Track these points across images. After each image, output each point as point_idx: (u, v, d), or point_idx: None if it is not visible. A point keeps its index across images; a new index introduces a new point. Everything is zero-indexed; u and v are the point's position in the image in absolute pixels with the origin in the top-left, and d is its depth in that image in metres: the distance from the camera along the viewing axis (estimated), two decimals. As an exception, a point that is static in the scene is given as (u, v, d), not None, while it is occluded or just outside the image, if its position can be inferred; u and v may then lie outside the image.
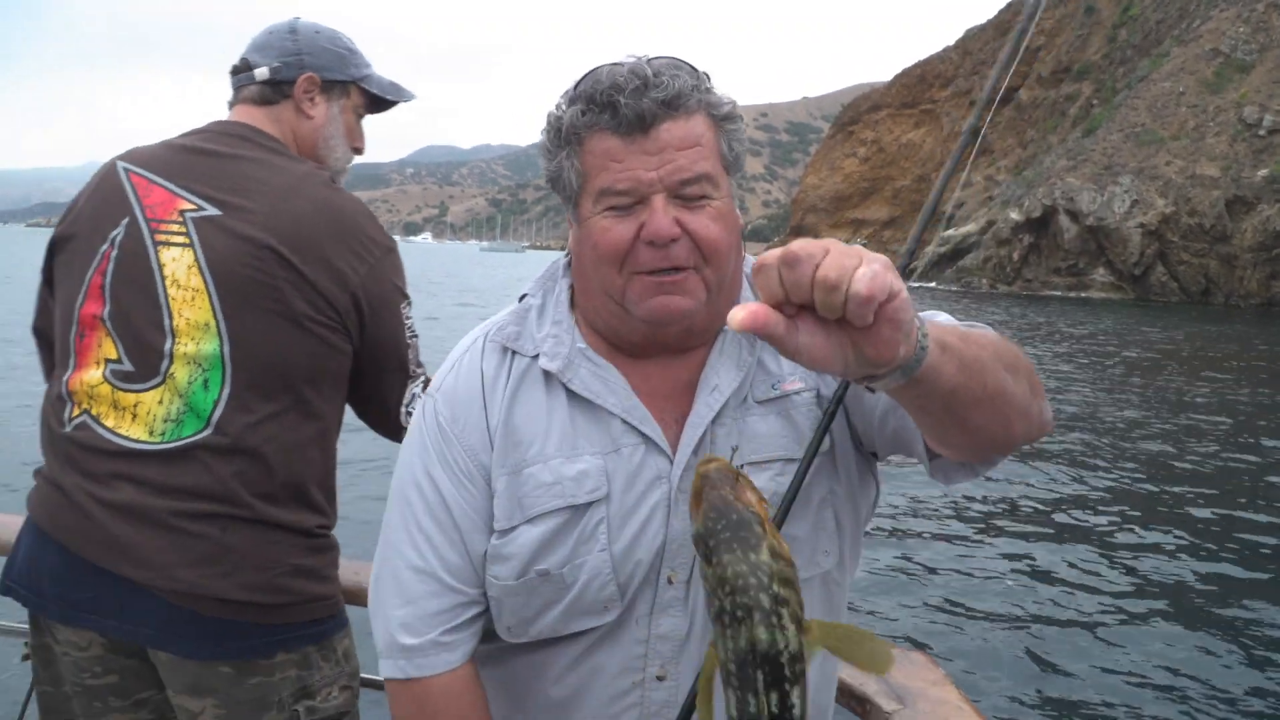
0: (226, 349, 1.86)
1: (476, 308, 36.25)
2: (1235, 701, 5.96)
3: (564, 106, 1.32)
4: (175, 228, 1.90)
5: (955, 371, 1.03)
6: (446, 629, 1.39)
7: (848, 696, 1.77)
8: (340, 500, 2.06)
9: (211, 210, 1.90)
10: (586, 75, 1.31)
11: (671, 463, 1.36)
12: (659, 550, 1.35)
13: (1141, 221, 69.12)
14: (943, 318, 1.25)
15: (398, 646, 1.40)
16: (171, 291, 1.87)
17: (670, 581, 1.36)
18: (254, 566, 1.85)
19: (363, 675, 2.08)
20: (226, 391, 1.86)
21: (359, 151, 2.21)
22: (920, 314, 1.13)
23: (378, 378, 2.04)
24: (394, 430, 2.09)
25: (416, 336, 2.08)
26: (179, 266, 1.87)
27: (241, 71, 2.10)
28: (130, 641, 1.88)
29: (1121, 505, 10.82)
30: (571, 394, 1.37)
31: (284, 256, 1.87)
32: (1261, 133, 69.16)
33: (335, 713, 1.98)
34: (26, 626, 2.00)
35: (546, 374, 1.38)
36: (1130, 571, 8.50)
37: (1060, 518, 10.16)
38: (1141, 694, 6.03)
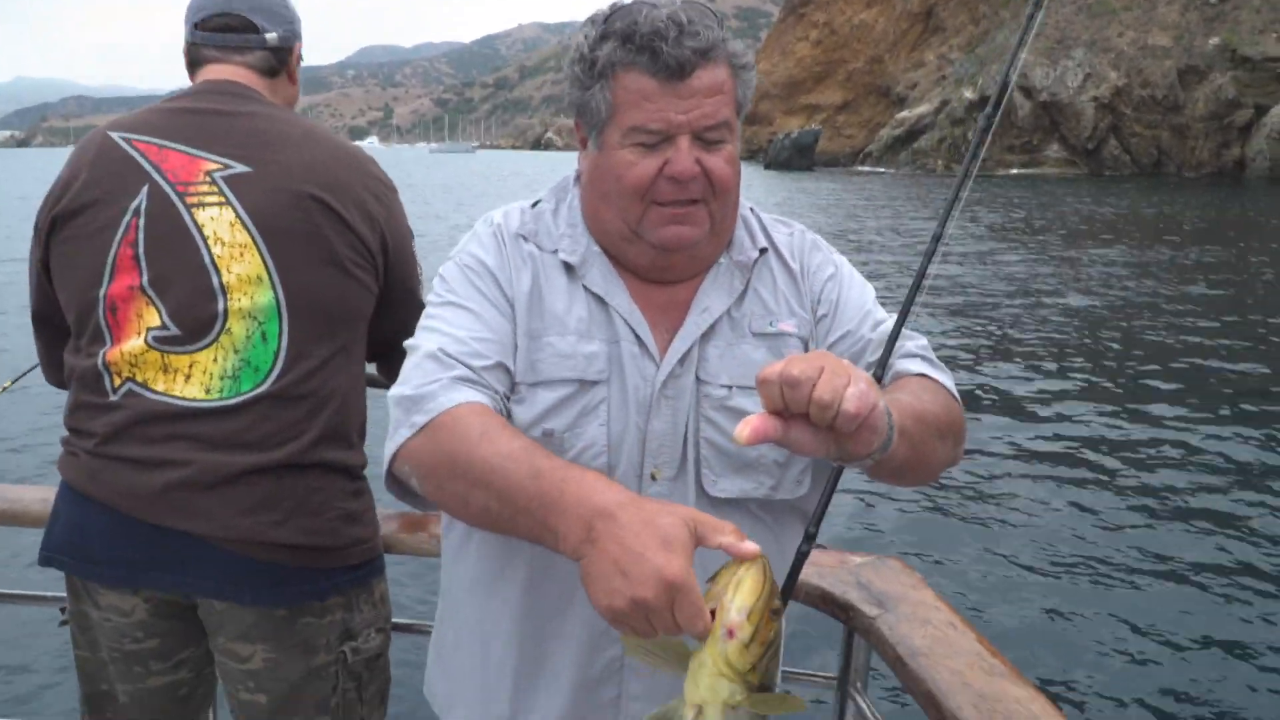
0: (282, 299, 1.88)
1: (453, 206, 35.70)
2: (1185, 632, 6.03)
3: (595, 40, 1.42)
4: (205, 188, 1.89)
5: (907, 451, 1.24)
6: (460, 380, 1.39)
7: (831, 604, 1.82)
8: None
9: (241, 167, 1.90)
10: (619, 11, 1.41)
11: (658, 368, 1.46)
12: (641, 444, 1.45)
13: (1094, 95, 69.17)
14: (906, 395, 1.37)
15: (405, 405, 1.37)
16: (216, 250, 1.87)
17: (654, 478, 1.45)
18: (308, 512, 1.88)
19: (393, 620, 2.12)
20: (284, 341, 1.88)
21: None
22: (894, 383, 1.44)
23: (401, 316, 2.03)
24: (399, 369, 2.12)
25: (422, 270, 2.12)
26: (220, 225, 1.87)
27: (244, 31, 2.05)
28: (188, 597, 1.90)
29: (1096, 402, 10.99)
30: (585, 288, 1.49)
31: (325, 203, 1.89)
32: (1212, 0, 68.79)
33: (374, 654, 2.04)
34: (62, 595, 2.02)
35: (566, 267, 1.50)
36: (1094, 467, 8.61)
37: (1035, 421, 10.32)
38: (1106, 616, 6.12)
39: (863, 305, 1.59)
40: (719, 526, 1.06)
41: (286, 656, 1.92)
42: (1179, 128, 66.95)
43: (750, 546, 1.06)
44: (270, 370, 1.87)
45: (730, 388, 1.47)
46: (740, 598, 1.02)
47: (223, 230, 1.87)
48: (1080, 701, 4.92)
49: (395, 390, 1.40)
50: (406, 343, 1.48)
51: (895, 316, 1.46)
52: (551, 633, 1.49)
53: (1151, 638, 5.54)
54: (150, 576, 1.87)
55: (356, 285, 1.94)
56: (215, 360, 1.87)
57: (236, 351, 1.87)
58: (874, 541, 6.95)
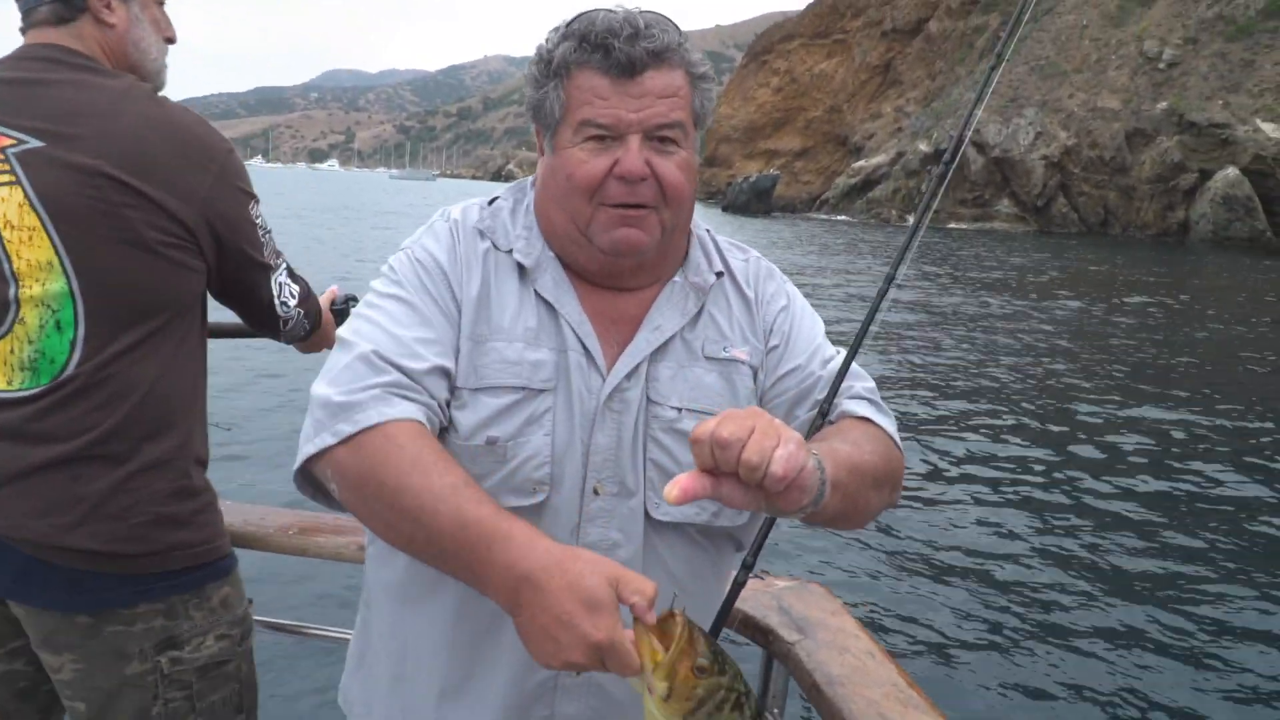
0: (75, 285, 1.77)
1: (401, 231, 35.57)
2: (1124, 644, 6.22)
3: (555, 41, 1.44)
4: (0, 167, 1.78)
5: (839, 503, 1.27)
6: (393, 388, 1.34)
7: (750, 629, 1.82)
8: (223, 442, 2.01)
9: (34, 142, 1.78)
10: (580, 16, 1.43)
11: (604, 380, 1.46)
12: (584, 457, 1.44)
13: (1044, 154, 70.67)
14: (845, 445, 1.38)
15: (331, 409, 1.32)
16: (5, 234, 1.77)
17: (596, 492, 1.44)
18: (110, 515, 1.80)
19: (259, 618, 2.05)
20: (81, 331, 1.78)
21: (171, 41, 2.06)
22: (837, 426, 1.47)
23: (247, 284, 2.01)
24: (273, 325, 2.09)
25: (269, 232, 2.03)
26: (9, 206, 1.77)
27: None
28: None
29: (1029, 438, 11.18)
30: (536, 293, 1.48)
31: (122, 181, 1.77)
32: (1161, 66, 70.86)
33: (208, 662, 1.94)
34: None
35: (518, 267, 1.49)
36: (1023, 502, 8.78)
37: (970, 458, 10.45)
38: (1032, 628, 6.28)
39: (813, 340, 1.60)
40: (637, 587, 1.10)
41: (95, 665, 1.84)
42: (1126, 189, 68.53)
43: (651, 618, 1.10)
44: (67, 361, 1.78)
45: (680, 410, 1.47)
46: (649, 653, 1.09)
47: (11, 212, 1.77)
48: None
49: (320, 389, 1.34)
50: (338, 332, 1.44)
51: (845, 353, 1.54)
52: (484, 649, 1.46)
53: (1078, 672, 5.60)
54: None
55: (169, 265, 1.83)
56: (12, 351, 1.79)
57: (31, 342, 1.78)
58: (799, 562, 6.98)
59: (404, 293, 1.45)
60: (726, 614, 1.41)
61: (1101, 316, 22.19)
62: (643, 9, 1.43)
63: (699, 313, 1.54)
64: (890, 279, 1.57)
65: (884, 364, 14.59)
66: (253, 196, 1.98)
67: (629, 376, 1.47)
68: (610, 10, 1.42)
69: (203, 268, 1.90)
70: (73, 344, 1.78)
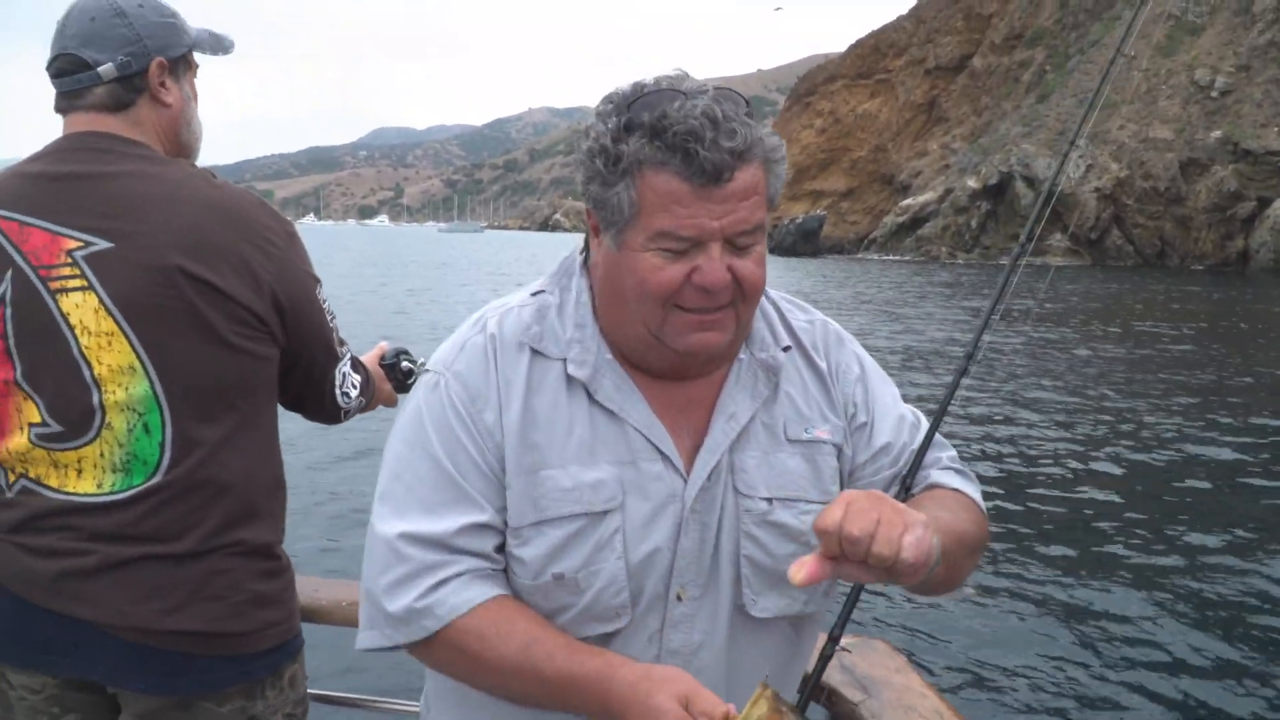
0: (159, 387, 1.76)
1: (457, 284, 36.02)
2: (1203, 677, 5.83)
3: (617, 129, 1.28)
4: (67, 271, 1.74)
5: (944, 573, 1.27)
6: (435, 575, 1.34)
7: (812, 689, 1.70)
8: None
9: (102, 244, 1.74)
10: (644, 100, 1.27)
11: (685, 481, 1.38)
12: (669, 566, 1.38)
13: (1096, 186, 69.92)
14: (946, 514, 1.38)
15: (383, 617, 1.35)
16: (84, 340, 1.74)
17: (679, 598, 1.39)
18: (209, 596, 1.79)
19: (313, 692, 2.05)
20: (169, 432, 1.77)
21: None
22: (929, 494, 1.47)
23: (309, 370, 1.98)
24: (332, 413, 2.08)
25: (334, 317, 2.01)
26: (85, 312, 1.74)
27: (75, 72, 1.83)
28: (86, 680, 1.83)
29: (1088, 478, 10.82)
30: (593, 401, 1.38)
31: (192, 273, 1.74)
32: (1214, 94, 70.10)
33: None
34: None
35: (569, 380, 1.38)
36: (1094, 548, 8.45)
37: (1037, 500, 10.12)
38: (1099, 668, 5.95)
39: (895, 410, 1.55)
40: (704, 709, 1.13)
41: None
42: (1181, 219, 67.53)
43: None
44: (159, 463, 1.77)
45: (770, 501, 1.39)
46: None
47: (88, 318, 1.74)
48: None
49: (370, 586, 1.35)
50: (372, 521, 1.39)
51: (926, 424, 1.53)
52: None
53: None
54: (48, 660, 1.82)
55: (246, 357, 1.81)
56: (102, 455, 1.77)
57: (121, 445, 1.77)
58: (860, 616, 6.68)
59: (433, 448, 1.37)
60: (816, 685, 1.38)
61: (1176, 350, 21.61)
62: (712, 89, 1.27)
63: (772, 393, 1.46)
64: (970, 356, 1.56)
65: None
66: (317, 280, 1.97)
67: (710, 474, 1.38)
68: (681, 93, 1.25)
69: (275, 354, 1.89)
70: (162, 445, 1.78)
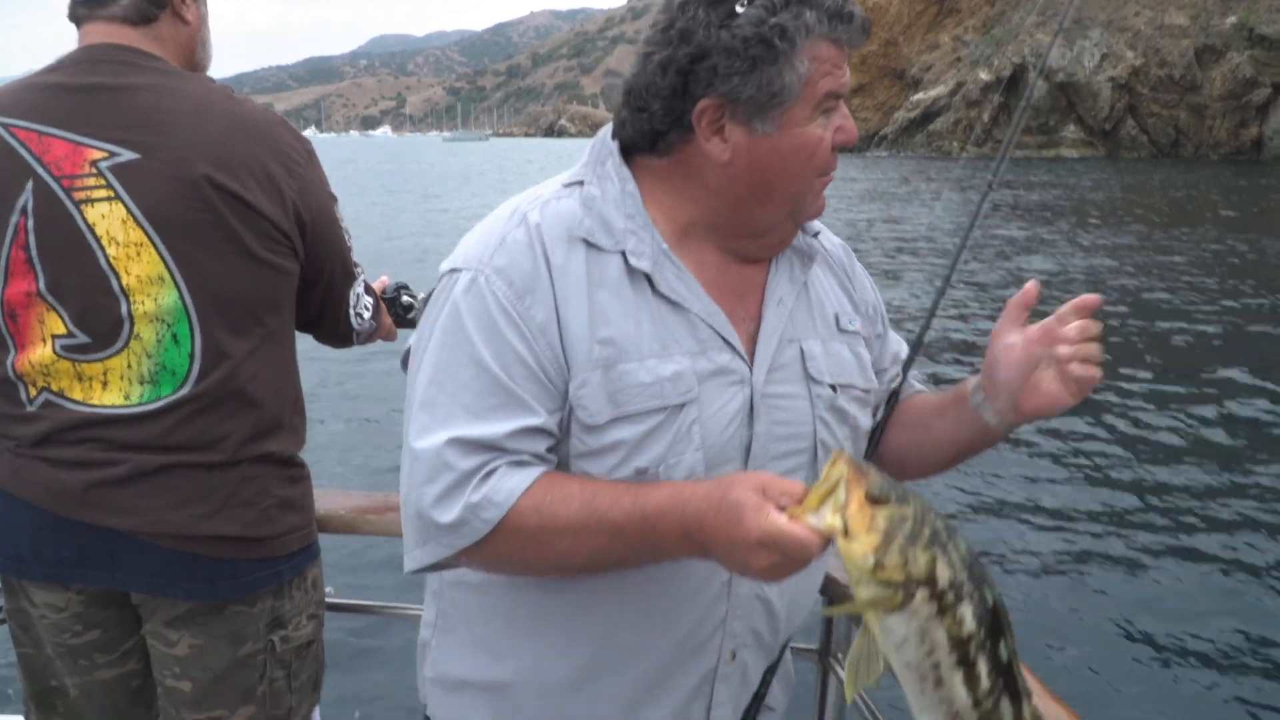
0: (188, 298, 1.75)
1: (467, 196, 35.55)
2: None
3: (768, 9, 1.24)
4: (92, 181, 1.73)
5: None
6: (486, 470, 1.24)
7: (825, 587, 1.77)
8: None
9: (128, 155, 1.73)
10: None
11: (750, 367, 1.36)
12: (745, 450, 1.35)
13: (1111, 75, 68.42)
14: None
15: (433, 529, 1.25)
16: (111, 251, 1.73)
17: None
18: (242, 502, 1.81)
19: (330, 599, 2.07)
20: (199, 342, 1.77)
21: None
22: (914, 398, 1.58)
23: (329, 288, 1.98)
24: (345, 336, 2.08)
25: (351, 236, 2.00)
26: (112, 223, 1.73)
27: None
28: (118, 591, 1.83)
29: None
30: (656, 293, 1.32)
31: (220, 184, 1.73)
32: (1230, -23, 67.92)
33: (304, 641, 1.97)
34: None
35: (630, 271, 1.32)
36: (1113, 457, 8.60)
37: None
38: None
39: (896, 340, 1.63)
40: (783, 489, 1.10)
41: (213, 645, 1.85)
42: (1196, 107, 66.20)
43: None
44: (188, 373, 1.77)
45: (835, 387, 1.42)
46: (813, 506, 1.06)
47: (115, 229, 1.73)
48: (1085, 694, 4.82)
49: (415, 501, 1.25)
50: (411, 428, 1.28)
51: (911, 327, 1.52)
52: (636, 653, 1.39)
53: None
54: (80, 573, 1.81)
55: (272, 271, 1.82)
56: (130, 366, 1.76)
57: (149, 356, 1.76)
58: None
59: (477, 351, 1.26)
60: None
61: (1190, 244, 21.47)
62: None
63: (806, 280, 1.47)
64: (946, 279, 1.57)
65: (955, 306, 14.30)
66: (334, 198, 1.96)
67: (779, 359, 1.39)
68: None
69: (297, 270, 1.88)
70: (191, 356, 1.77)
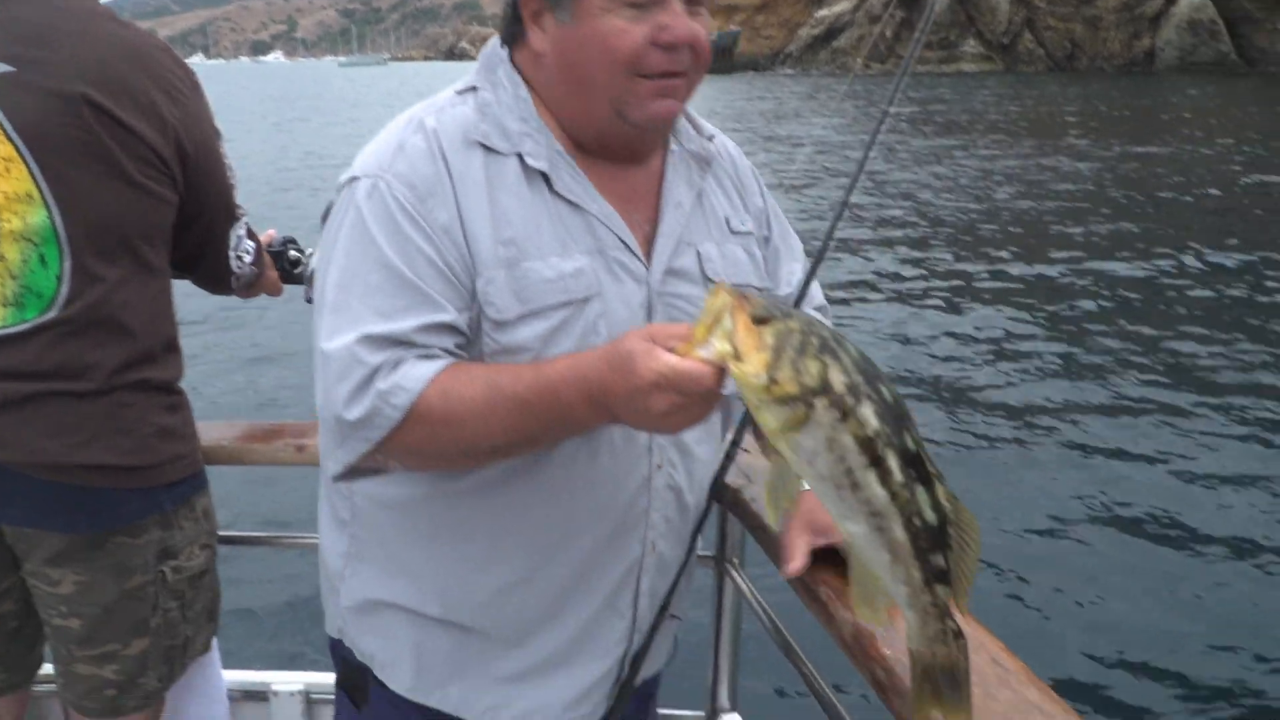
0: (57, 218, 1.70)
1: (370, 126, 34.43)
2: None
3: None
4: None
5: None
6: (396, 359, 1.24)
7: None
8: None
9: (3, 67, 1.67)
10: None
11: (647, 267, 1.39)
12: None
13: (1008, -12, 69.00)
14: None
15: (347, 427, 1.24)
16: None
17: None
18: (117, 430, 1.77)
19: (221, 532, 2.07)
20: (68, 265, 1.72)
21: None
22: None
23: (209, 227, 1.94)
24: (223, 278, 2.03)
25: (235, 174, 1.96)
26: None
27: None
28: None
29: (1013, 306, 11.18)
30: (554, 193, 1.35)
31: (98, 104, 1.69)
32: (1122, -113, 68.69)
33: (197, 571, 1.96)
34: None
35: (527, 172, 1.34)
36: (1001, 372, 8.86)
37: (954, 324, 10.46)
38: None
39: (793, 238, 1.63)
40: (671, 333, 1.10)
41: (99, 579, 1.83)
42: (1091, 20, 67.30)
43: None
44: (55, 296, 1.72)
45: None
46: (701, 338, 1.05)
47: None
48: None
49: (332, 407, 1.24)
50: (320, 333, 1.28)
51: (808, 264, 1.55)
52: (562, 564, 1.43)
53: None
54: None
55: (149, 198, 1.77)
56: None
57: (14, 277, 1.71)
58: None
59: (383, 254, 1.27)
60: (722, 479, 1.53)
61: (1081, 155, 22.01)
62: None
63: (703, 184, 1.49)
64: (844, 203, 1.54)
65: (858, 224, 14.51)
66: (219, 133, 1.92)
67: (676, 259, 1.41)
68: None
69: (175, 200, 1.84)
70: (59, 278, 1.71)
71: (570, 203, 1.35)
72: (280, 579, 4.68)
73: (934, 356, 8.56)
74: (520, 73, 1.39)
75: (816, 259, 1.58)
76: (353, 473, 1.29)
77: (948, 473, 0.99)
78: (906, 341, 8.97)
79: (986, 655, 1.23)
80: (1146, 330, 9.16)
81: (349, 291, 1.27)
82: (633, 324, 1.34)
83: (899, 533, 1.01)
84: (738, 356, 1.01)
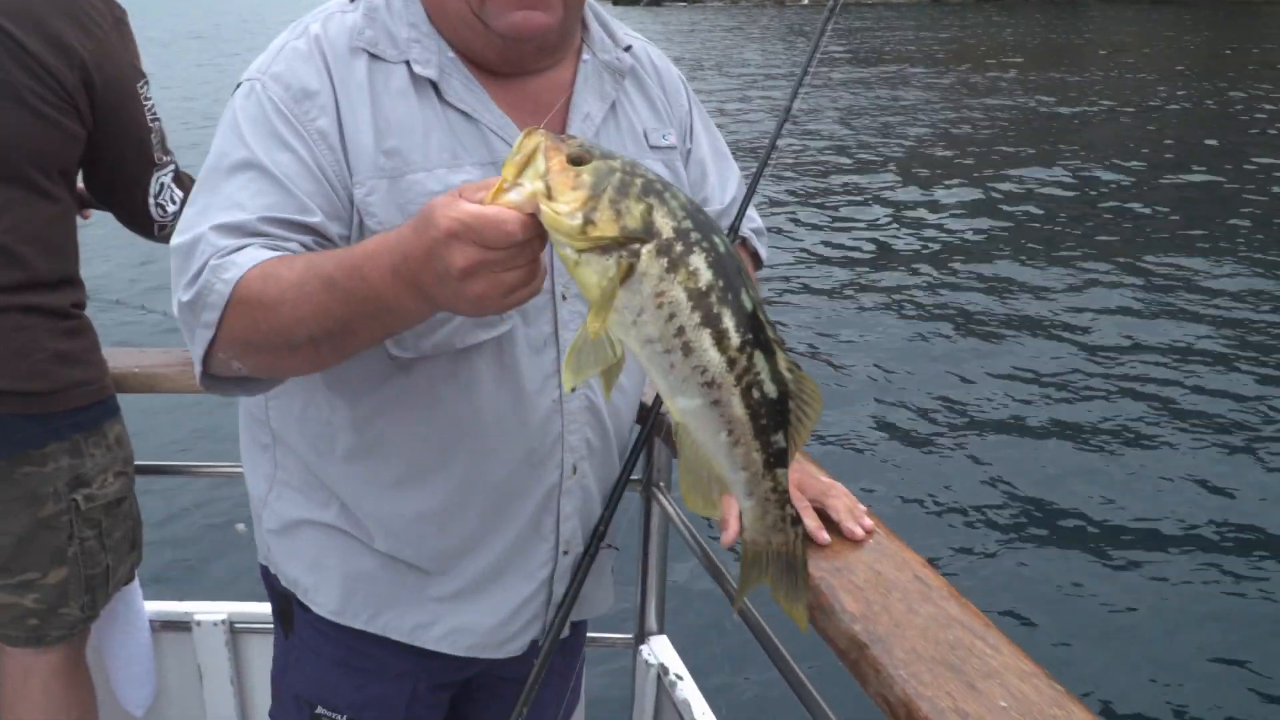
0: None
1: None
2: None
3: None
4: None
5: None
6: (237, 248, 1.15)
7: None
8: (93, 287, 1.97)
9: None
10: None
11: None
12: (548, 265, 1.32)
13: (935, -83, 68.79)
14: None
15: (187, 311, 1.16)
16: None
17: (564, 298, 1.35)
18: (11, 354, 1.76)
19: (138, 462, 2.07)
20: None
21: None
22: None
23: (117, 165, 1.90)
24: (144, 224, 1.99)
25: (159, 120, 1.93)
26: None
27: None
28: None
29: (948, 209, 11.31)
30: (444, 102, 1.29)
31: (7, 31, 1.70)
32: None
33: (113, 498, 1.96)
34: None
35: (416, 81, 1.28)
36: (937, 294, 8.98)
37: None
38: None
39: (725, 156, 1.60)
40: (477, 188, 0.96)
41: (9, 509, 1.84)
42: (1016, -50, 67.42)
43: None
44: None
45: None
46: (510, 173, 0.93)
47: None
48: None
49: (175, 297, 1.18)
50: (178, 229, 1.21)
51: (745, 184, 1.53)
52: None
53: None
54: None
55: (43, 123, 1.75)
56: None
57: None
58: None
59: (251, 154, 1.20)
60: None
61: (1007, 85, 22.20)
62: None
63: (620, 95, 1.43)
64: (788, 110, 1.52)
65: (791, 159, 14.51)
66: (142, 74, 1.89)
67: None
68: None
69: (82, 134, 1.82)
70: None
71: (461, 113, 1.29)
72: (201, 508, 4.65)
73: (862, 283, 8.66)
74: None
75: (754, 177, 1.54)
76: (213, 381, 1.21)
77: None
78: (826, 262, 9.05)
79: (909, 572, 1.25)
80: (1066, 249, 9.42)
81: (208, 188, 1.21)
82: None
83: (737, 407, 0.92)
84: (550, 196, 0.89)
